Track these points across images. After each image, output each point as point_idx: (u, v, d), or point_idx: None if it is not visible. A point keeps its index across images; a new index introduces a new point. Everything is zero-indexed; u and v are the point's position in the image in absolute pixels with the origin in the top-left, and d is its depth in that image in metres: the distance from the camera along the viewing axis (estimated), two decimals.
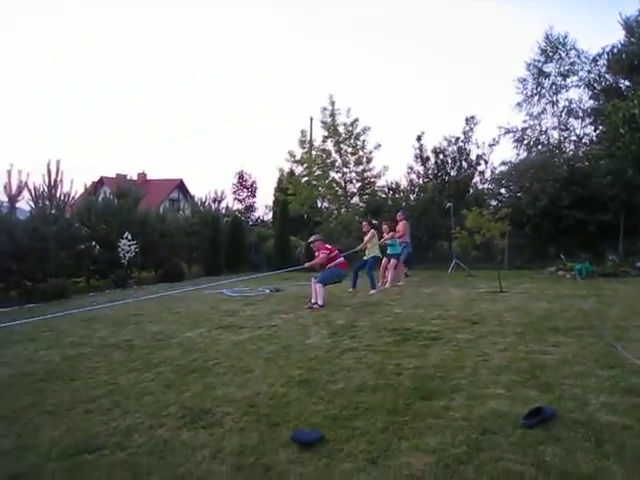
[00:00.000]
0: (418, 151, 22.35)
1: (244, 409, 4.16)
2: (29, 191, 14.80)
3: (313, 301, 9.36)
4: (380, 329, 7.15)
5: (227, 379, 5.03)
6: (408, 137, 36.09)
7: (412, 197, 22.18)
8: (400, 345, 6.17)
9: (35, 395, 4.81)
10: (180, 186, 43.22)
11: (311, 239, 10.53)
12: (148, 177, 41.54)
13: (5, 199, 14.44)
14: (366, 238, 11.74)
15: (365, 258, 11.70)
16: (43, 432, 3.89)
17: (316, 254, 10.09)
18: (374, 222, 13.75)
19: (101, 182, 33.05)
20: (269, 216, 28.80)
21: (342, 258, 10.13)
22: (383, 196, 22.34)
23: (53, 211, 15.17)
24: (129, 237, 15.65)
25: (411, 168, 22.55)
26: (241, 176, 32.44)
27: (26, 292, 13.47)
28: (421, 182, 22.37)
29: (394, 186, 22.48)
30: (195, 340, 6.98)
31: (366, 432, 3.61)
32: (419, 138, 22.33)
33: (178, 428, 3.84)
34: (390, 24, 57.93)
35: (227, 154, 63.21)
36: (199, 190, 55.94)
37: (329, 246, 10.23)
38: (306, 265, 10.48)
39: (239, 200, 31.56)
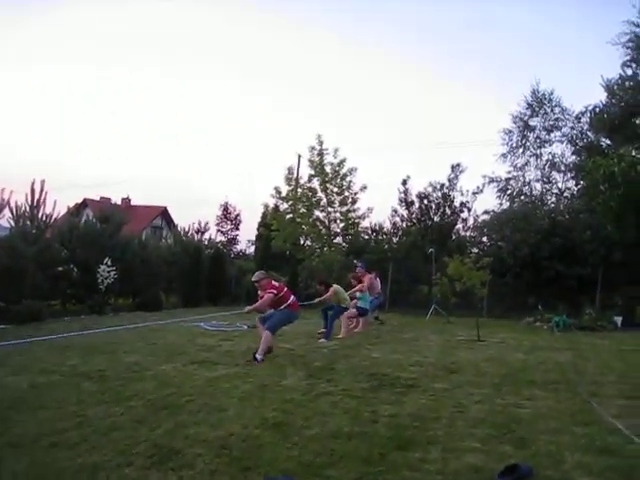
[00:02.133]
0: (403, 195, 22.66)
1: (216, 451, 4.05)
2: (10, 209, 14.64)
3: (257, 355, 7.73)
4: (357, 373, 7.10)
5: (200, 417, 4.91)
6: (393, 180, 36.55)
7: (395, 240, 22.35)
8: (377, 391, 6.12)
9: (0, 424, 4.65)
10: (164, 214, 43.07)
11: (255, 277, 8.54)
12: (132, 203, 41.36)
13: None
14: (326, 295, 11.08)
15: (334, 304, 11.00)
16: (5, 465, 3.74)
17: (260, 294, 8.47)
18: (359, 264, 13.57)
19: (84, 204, 32.88)
20: (251, 250, 28.68)
21: (293, 297, 8.56)
22: (366, 237, 22.47)
23: (34, 231, 14.98)
24: (109, 263, 15.48)
25: (395, 211, 22.85)
26: (226, 208, 32.40)
27: None
28: (404, 226, 22.60)
29: (377, 228, 22.68)
30: (170, 374, 6.83)
31: None
32: (404, 182, 22.67)
33: (147, 468, 3.71)
34: (380, 66, 59.24)
35: (212, 185, 63.32)
36: (183, 219, 55.81)
37: (277, 284, 8.57)
38: (246, 310, 8.58)
39: (222, 232, 31.45)
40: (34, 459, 3.84)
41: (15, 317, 12.47)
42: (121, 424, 4.69)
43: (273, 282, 8.54)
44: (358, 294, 11.86)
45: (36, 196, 15.08)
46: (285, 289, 8.60)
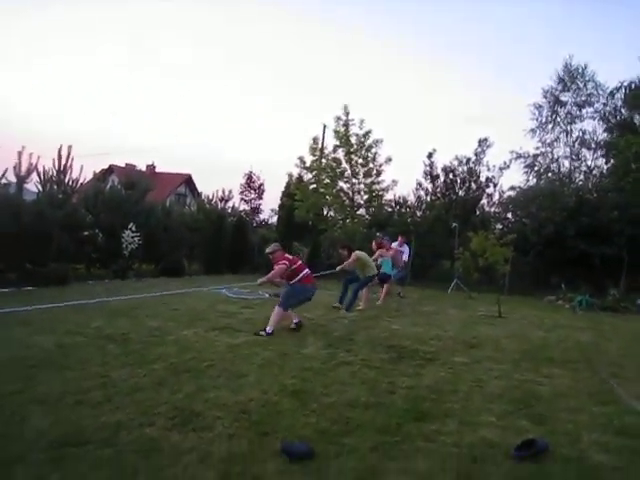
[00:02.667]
0: (428, 168, 22.43)
1: (235, 415, 4.13)
2: (38, 174, 14.80)
3: (266, 328, 7.57)
4: (376, 345, 7.15)
5: (220, 382, 5.00)
6: (419, 152, 36.17)
7: (419, 213, 22.21)
8: (395, 363, 6.16)
9: (26, 381, 4.76)
10: (188, 181, 43.29)
11: (269, 249, 8.35)
12: (157, 170, 41.56)
13: (14, 179, 14.45)
14: (348, 262, 10.49)
15: (359, 275, 10.66)
16: (31, 420, 3.85)
17: (275, 267, 8.10)
18: (382, 237, 13.18)
19: (110, 170, 33.21)
20: (274, 219, 28.72)
21: (307, 270, 8.21)
22: (390, 210, 22.36)
23: (60, 195, 15.15)
24: (133, 228, 15.64)
25: (420, 184, 22.67)
26: (249, 177, 32.36)
27: (25, 274, 13.43)
28: (429, 199, 22.42)
29: (401, 201, 22.52)
30: (191, 339, 6.94)
31: (356, 449, 3.58)
32: (430, 155, 22.41)
33: (167, 429, 3.80)
34: (406, 39, 58.26)
35: (238, 154, 63.35)
36: (207, 187, 55.83)
37: (290, 256, 8.27)
38: (258, 282, 8.14)
39: (245, 201, 31.47)
40: (58, 416, 3.94)
41: (41, 279, 12.72)
42: (143, 386, 4.79)
43: (286, 255, 8.22)
44: (380, 260, 11.75)
45: (63, 161, 15.23)
46: (299, 262, 8.28)
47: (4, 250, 12.80)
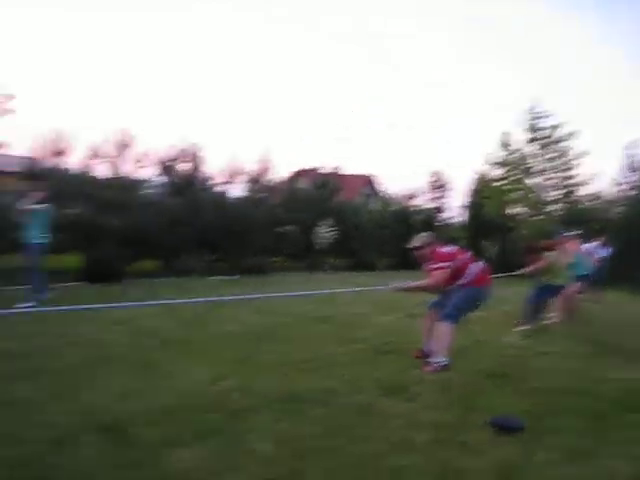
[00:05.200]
0: (631, 160, 20.63)
1: (438, 390, 4.34)
2: (242, 177, 16.45)
3: (433, 358, 5.11)
4: (580, 339, 6.92)
5: (420, 363, 5.19)
6: (618, 142, 33.26)
7: (619, 209, 20.48)
8: (601, 356, 5.92)
9: (253, 349, 5.61)
10: (371, 182, 44.21)
11: (417, 242, 5.46)
12: (340, 172, 43.00)
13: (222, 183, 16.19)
14: (538, 265, 7.72)
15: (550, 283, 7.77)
16: (260, 379, 4.47)
17: (425, 267, 5.51)
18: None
19: (300, 173, 35.20)
20: (461, 217, 28.38)
21: (481, 265, 5.45)
22: (585, 205, 20.91)
23: (260, 196, 16.63)
24: (328, 225, 16.61)
25: (619, 178, 20.89)
26: (435, 175, 32.32)
27: (233, 265, 14.99)
28: (632, 194, 20.57)
29: (599, 195, 20.97)
30: (390, 324, 7.45)
31: (566, 430, 3.58)
32: (631, 146, 20.59)
33: (376, 397, 4.13)
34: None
35: (422, 152, 63.33)
36: (391, 187, 56.64)
37: (450, 250, 5.42)
38: (412, 286, 5.70)
39: (432, 199, 31.50)
40: (281, 379, 4.51)
41: (245, 270, 14.25)
42: (349, 361, 5.27)
43: (444, 249, 5.44)
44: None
45: (263, 165, 16.76)
46: (462, 255, 5.42)
47: (217, 244, 14.48)
